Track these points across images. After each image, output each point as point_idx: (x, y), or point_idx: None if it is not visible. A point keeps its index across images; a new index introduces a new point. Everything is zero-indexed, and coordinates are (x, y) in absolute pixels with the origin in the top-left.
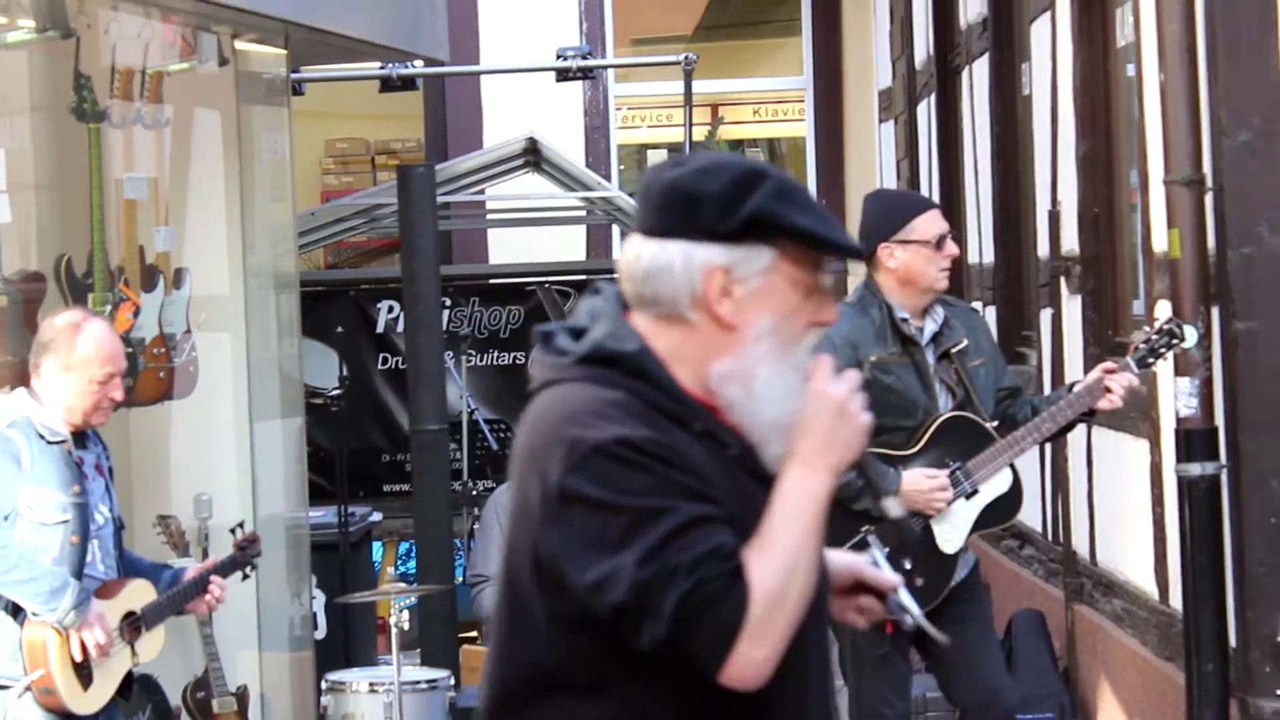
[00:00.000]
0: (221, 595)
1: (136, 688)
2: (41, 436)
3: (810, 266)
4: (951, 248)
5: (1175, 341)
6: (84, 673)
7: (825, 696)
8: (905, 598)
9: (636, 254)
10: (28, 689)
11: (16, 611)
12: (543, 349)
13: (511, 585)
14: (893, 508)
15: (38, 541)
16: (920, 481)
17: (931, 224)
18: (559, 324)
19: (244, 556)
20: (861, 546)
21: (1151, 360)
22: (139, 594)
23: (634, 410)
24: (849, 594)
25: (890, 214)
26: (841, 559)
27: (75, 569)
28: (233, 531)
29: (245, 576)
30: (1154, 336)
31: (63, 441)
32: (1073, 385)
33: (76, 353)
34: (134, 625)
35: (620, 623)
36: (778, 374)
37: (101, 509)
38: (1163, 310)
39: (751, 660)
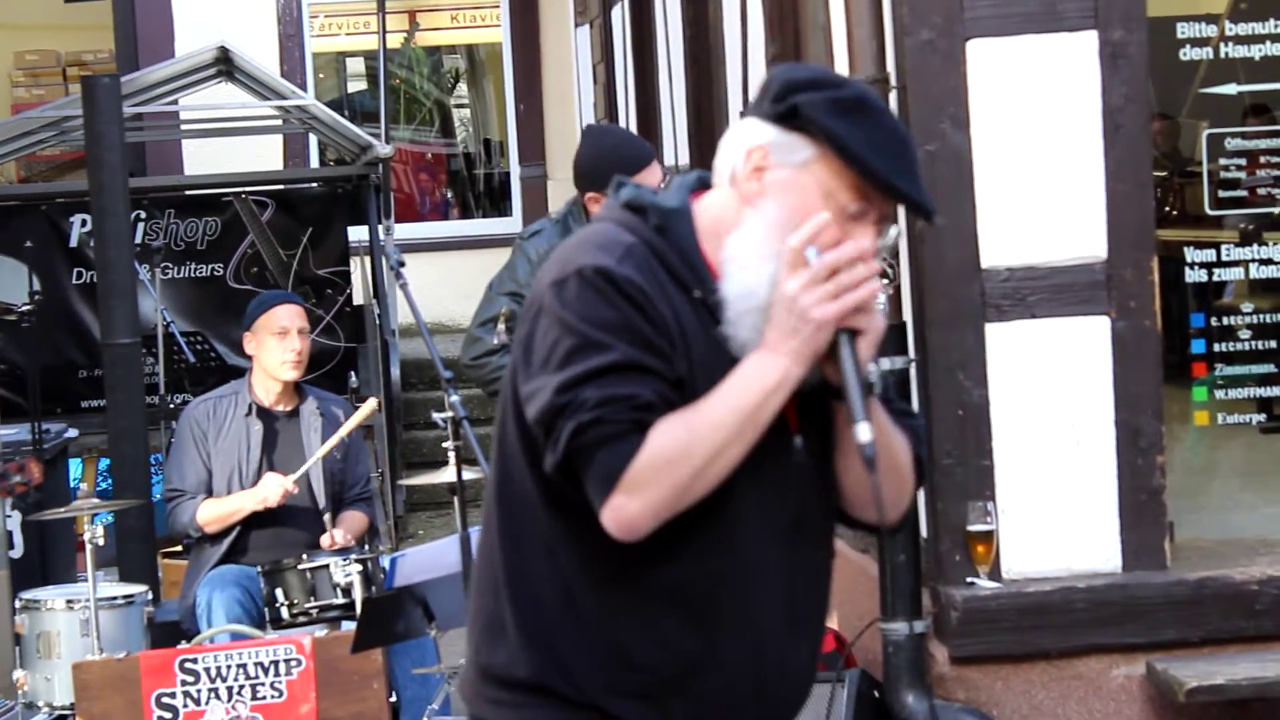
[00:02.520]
0: None
1: None
2: None
3: (850, 187)
4: None
5: (886, 281)
6: None
7: (778, 607)
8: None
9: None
10: None
11: None
12: (611, 196)
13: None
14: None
15: None
16: None
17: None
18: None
19: (3, 485)
20: None
21: None
22: None
23: (637, 255)
24: None
25: (598, 166)
26: None
27: None
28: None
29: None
30: None
31: None
32: None
33: None
34: None
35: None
36: (759, 263)
37: None
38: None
39: (622, 510)
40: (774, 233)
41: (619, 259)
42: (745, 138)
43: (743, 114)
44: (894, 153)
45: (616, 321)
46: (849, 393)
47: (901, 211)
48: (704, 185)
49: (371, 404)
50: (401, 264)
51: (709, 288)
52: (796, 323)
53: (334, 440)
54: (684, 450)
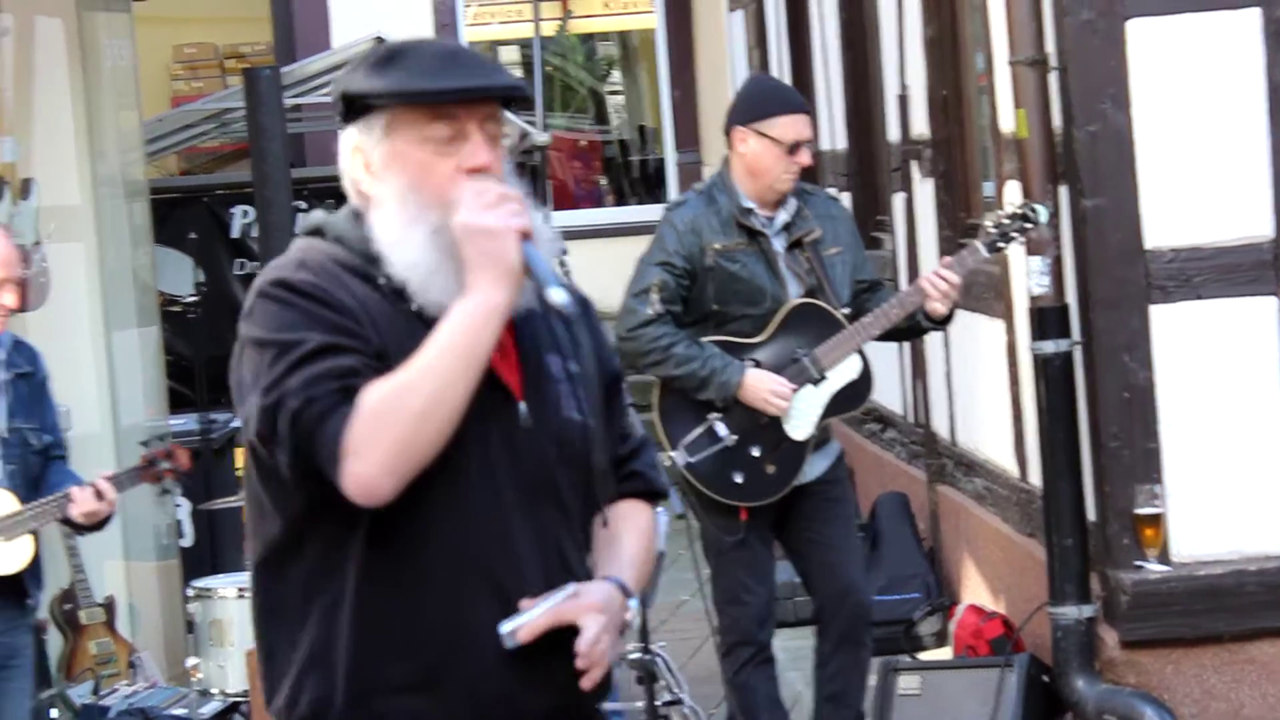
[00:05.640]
0: (90, 495)
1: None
2: None
3: (429, 120)
4: (805, 156)
5: (1028, 225)
6: None
7: (535, 574)
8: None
9: None
10: None
11: None
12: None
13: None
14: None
15: None
16: (763, 380)
17: (792, 127)
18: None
19: (150, 471)
20: (709, 433)
21: (1003, 244)
22: None
23: (312, 263)
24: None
25: (757, 101)
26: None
27: None
28: (144, 444)
29: (165, 491)
30: (1005, 220)
31: None
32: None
33: None
34: None
35: (270, 457)
36: (408, 231)
37: None
38: (1012, 190)
39: (357, 475)
40: (404, 200)
41: (294, 269)
42: (343, 154)
43: None
44: (439, 66)
45: (299, 319)
46: (541, 278)
47: (1066, 208)
48: None
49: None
50: (564, 251)
51: (391, 277)
52: (485, 244)
53: None
54: (398, 400)
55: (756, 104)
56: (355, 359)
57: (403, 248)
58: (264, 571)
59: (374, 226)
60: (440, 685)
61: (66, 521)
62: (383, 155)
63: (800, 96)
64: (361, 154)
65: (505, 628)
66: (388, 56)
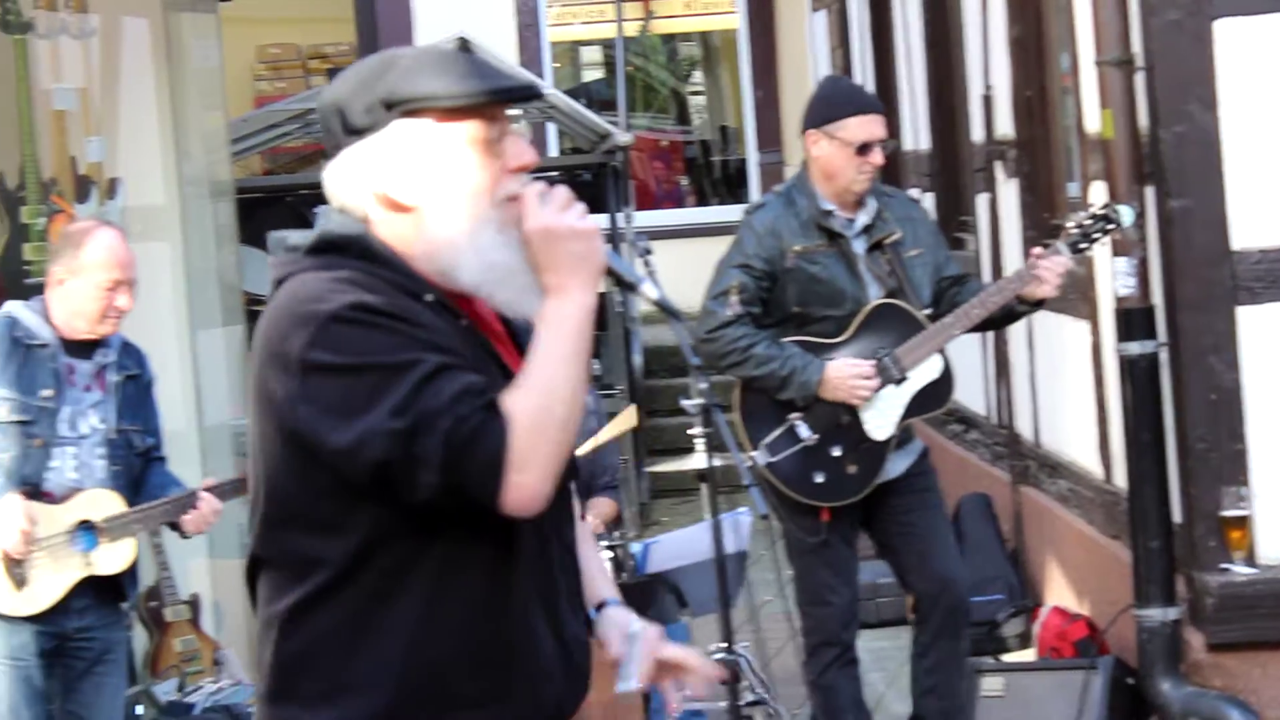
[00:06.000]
0: (205, 513)
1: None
2: (18, 339)
3: (482, 119)
4: (876, 156)
5: (1110, 226)
6: (15, 573)
7: (560, 580)
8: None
9: (329, 173)
10: None
11: None
12: (278, 252)
13: (268, 481)
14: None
15: None
16: (843, 369)
17: (862, 128)
18: (295, 231)
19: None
20: (790, 433)
21: (1085, 245)
22: (100, 504)
23: (364, 283)
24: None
25: (828, 104)
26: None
27: (34, 472)
28: (245, 455)
29: None
30: (1087, 221)
31: (44, 345)
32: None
33: (83, 258)
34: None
35: (384, 482)
36: (477, 238)
37: (90, 419)
38: (1097, 191)
39: (523, 486)
40: (472, 202)
41: (358, 290)
42: (364, 166)
43: (328, 153)
44: (479, 68)
45: (399, 341)
46: (630, 277)
47: (1153, 209)
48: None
49: (631, 415)
50: (648, 251)
51: (432, 290)
52: (573, 245)
53: (589, 446)
54: (546, 409)
55: (827, 106)
56: (475, 375)
57: (475, 252)
58: (307, 601)
59: (426, 235)
60: (509, 697)
61: (172, 526)
62: (434, 160)
63: (872, 96)
64: (399, 162)
65: (629, 685)
66: (408, 64)
